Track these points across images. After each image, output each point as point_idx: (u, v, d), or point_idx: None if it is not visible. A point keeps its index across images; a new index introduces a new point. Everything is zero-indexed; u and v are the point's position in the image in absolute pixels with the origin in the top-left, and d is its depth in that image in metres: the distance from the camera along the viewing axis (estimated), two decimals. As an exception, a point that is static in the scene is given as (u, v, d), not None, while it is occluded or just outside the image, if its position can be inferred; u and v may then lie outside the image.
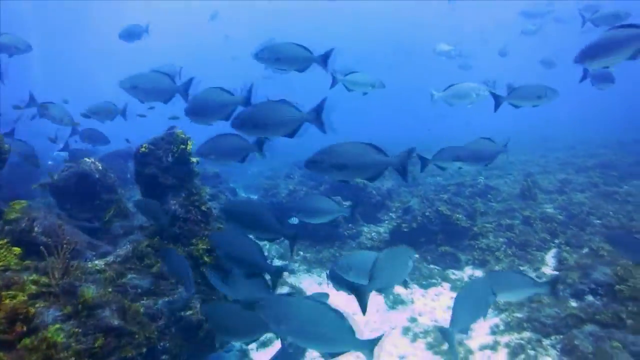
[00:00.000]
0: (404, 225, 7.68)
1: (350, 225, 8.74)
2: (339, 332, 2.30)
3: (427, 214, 7.72)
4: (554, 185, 9.95)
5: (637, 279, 4.87)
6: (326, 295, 4.08)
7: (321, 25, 33.62)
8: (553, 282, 3.16)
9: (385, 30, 36.07)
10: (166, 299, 4.05)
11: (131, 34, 8.17)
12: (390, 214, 9.26)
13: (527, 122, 25.05)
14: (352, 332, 2.31)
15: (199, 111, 3.49)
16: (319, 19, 33.77)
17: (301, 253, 8.22)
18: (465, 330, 3.04)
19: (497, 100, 4.35)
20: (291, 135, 3.18)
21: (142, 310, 3.55)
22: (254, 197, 12.01)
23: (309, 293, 6.70)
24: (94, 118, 6.17)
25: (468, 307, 2.95)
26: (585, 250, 6.28)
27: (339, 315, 2.29)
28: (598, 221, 7.35)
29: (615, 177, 10.14)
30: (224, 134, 3.64)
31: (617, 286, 4.76)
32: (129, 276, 4.11)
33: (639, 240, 3.81)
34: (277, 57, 3.86)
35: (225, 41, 25.87)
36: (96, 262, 4.22)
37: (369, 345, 2.34)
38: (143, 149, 4.89)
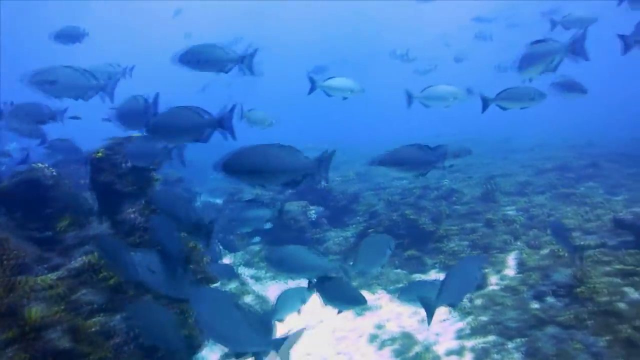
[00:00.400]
0: (370, 230, 7.67)
1: (316, 229, 8.67)
2: (252, 331, 2.32)
3: (393, 218, 7.74)
4: (515, 187, 10.19)
5: (596, 280, 5.01)
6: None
7: (285, 24, 33.57)
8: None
9: (351, 32, 36.27)
10: (124, 314, 3.85)
11: (68, 37, 7.02)
12: (357, 217, 9.25)
13: (489, 124, 25.75)
14: (267, 331, 2.37)
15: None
16: (282, 19, 33.63)
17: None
18: (453, 305, 3.36)
19: (485, 102, 4.36)
20: (204, 140, 3.07)
21: (96, 328, 3.34)
22: (219, 201, 11.77)
23: (273, 298, 6.57)
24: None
25: (457, 284, 3.07)
26: (546, 251, 6.43)
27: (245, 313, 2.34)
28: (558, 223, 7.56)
29: (572, 179, 10.50)
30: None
31: (577, 289, 4.87)
32: (83, 291, 3.87)
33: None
34: (197, 59, 3.79)
35: (185, 39, 25.28)
36: (46, 276, 3.97)
37: (277, 345, 2.41)
38: (99, 154, 4.65)
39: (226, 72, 3.90)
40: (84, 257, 4.09)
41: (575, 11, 5.70)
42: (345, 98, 5.20)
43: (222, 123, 2.97)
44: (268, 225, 8.02)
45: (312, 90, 5.11)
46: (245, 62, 3.87)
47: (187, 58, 3.83)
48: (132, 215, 4.50)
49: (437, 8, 22.35)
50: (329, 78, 5.13)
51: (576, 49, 3.87)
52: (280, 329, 3.86)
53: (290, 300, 3.91)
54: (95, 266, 3.96)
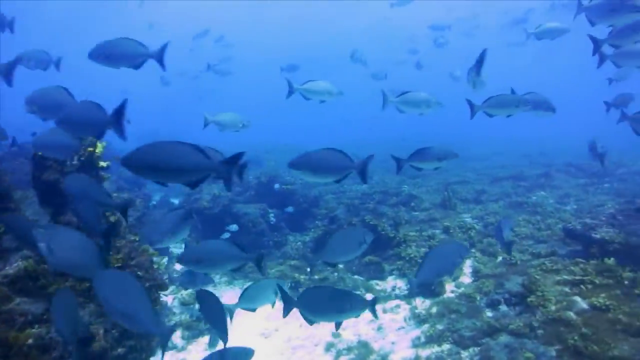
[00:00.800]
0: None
1: (275, 233, 8.53)
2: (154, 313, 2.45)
3: (353, 222, 7.71)
4: (471, 195, 10.44)
5: (546, 289, 5.14)
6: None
7: (252, 22, 33.20)
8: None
9: (319, 35, 36.31)
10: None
11: (37, 62, 5.47)
12: (316, 222, 9.17)
13: (446, 131, 26.39)
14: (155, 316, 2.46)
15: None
16: (249, 14, 33.24)
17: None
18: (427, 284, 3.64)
19: (473, 108, 4.39)
20: (99, 136, 3.15)
21: (30, 341, 3.08)
22: (175, 201, 11.41)
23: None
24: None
25: (435, 265, 3.37)
26: (499, 259, 6.57)
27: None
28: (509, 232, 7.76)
29: (524, 188, 10.86)
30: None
31: (528, 298, 4.98)
32: (18, 300, 3.58)
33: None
34: (108, 53, 3.70)
35: (149, 29, 24.52)
36: (-23, 283, 3.65)
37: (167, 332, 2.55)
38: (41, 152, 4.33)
39: (136, 68, 3.81)
40: (19, 263, 3.78)
41: (548, 22, 5.91)
42: (322, 101, 5.15)
43: (116, 121, 2.98)
44: (234, 228, 7.88)
45: (290, 93, 5.06)
46: (156, 57, 3.80)
47: (96, 54, 3.74)
48: (77, 219, 4.21)
49: (406, 14, 22.74)
50: (308, 81, 5.08)
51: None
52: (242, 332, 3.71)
53: (259, 292, 3.83)
54: (33, 273, 3.67)
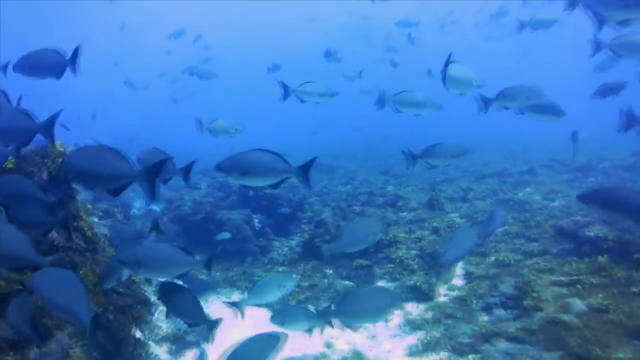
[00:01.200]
0: (316, 239, 7.39)
1: (260, 239, 8.28)
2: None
3: (342, 225, 7.51)
4: (457, 193, 10.35)
5: (541, 290, 5.03)
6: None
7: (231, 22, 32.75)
8: None
9: (296, 35, 36.07)
10: (37, 351, 3.30)
11: None
12: (302, 226, 8.96)
13: (429, 127, 26.43)
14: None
15: None
16: (225, 14, 32.78)
17: (205, 271, 7.58)
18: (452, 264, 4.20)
19: (487, 102, 4.24)
20: (25, 144, 3.19)
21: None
22: (157, 208, 11.05)
23: (217, 317, 6.13)
24: None
25: (458, 245, 3.67)
26: (492, 259, 6.45)
27: None
28: (499, 229, 7.66)
29: (510, 185, 10.83)
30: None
31: (524, 301, 4.86)
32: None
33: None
34: (29, 65, 3.72)
35: (121, 30, 23.87)
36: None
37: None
38: (9, 165, 4.01)
39: (58, 78, 3.78)
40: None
41: (539, 13, 5.88)
42: (318, 103, 5.10)
43: (47, 128, 3.04)
44: (227, 236, 7.68)
45: (286, 96, 4.97)
46: (69, 64, 3.73)
47: (18, 66, 3.77)
48: (50, 235, 3.91)
49: (385, 13, 22.67)
50: (303, 83, 5.03)
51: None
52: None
53: (269, 288, 3.82)
54: (2, 293, 3.36)
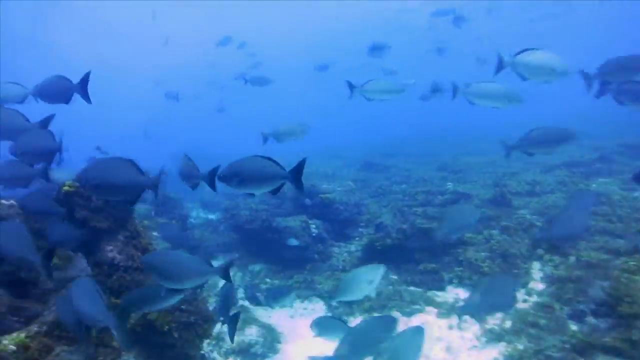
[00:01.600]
0: (377, 243, 7.09)
1: (319, 245, 8.09)
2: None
3: (404, 227, 7.18)
4: (523, 187, 9.69)
5: (636, 292, 4.49)
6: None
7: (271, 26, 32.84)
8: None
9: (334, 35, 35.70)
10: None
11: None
12: (360, 229, 8.69)
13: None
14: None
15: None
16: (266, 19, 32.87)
17: (268, 280, 7.49)
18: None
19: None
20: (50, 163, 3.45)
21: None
22: (213, 217, 11.17)
23: (279, 327, 6.00)
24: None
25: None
26: (573, 259, 5.90)
27: None
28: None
29: (581, 175, 10.04)
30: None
31: (619, 307, 4.34)
32: (58, 350, 3.28)
33: None
34: (43, 93, 3.79)
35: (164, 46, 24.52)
36: (16, 335, 3.35)
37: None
38: (67, 188, 4.03)
39: (67, 103, 3.82)
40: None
41: None
42: (382, 100, 5.15)
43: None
44: (295, 242, 7.59)
45: (352, 95, 5.14)
46: (79, 90, 3.80)
47: (36, 93, 3.89)
48: (111, 254, 3.89)
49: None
50: (368, 81, 5.08)
51: None
52: None
53: (356, 282, 3.66)
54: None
